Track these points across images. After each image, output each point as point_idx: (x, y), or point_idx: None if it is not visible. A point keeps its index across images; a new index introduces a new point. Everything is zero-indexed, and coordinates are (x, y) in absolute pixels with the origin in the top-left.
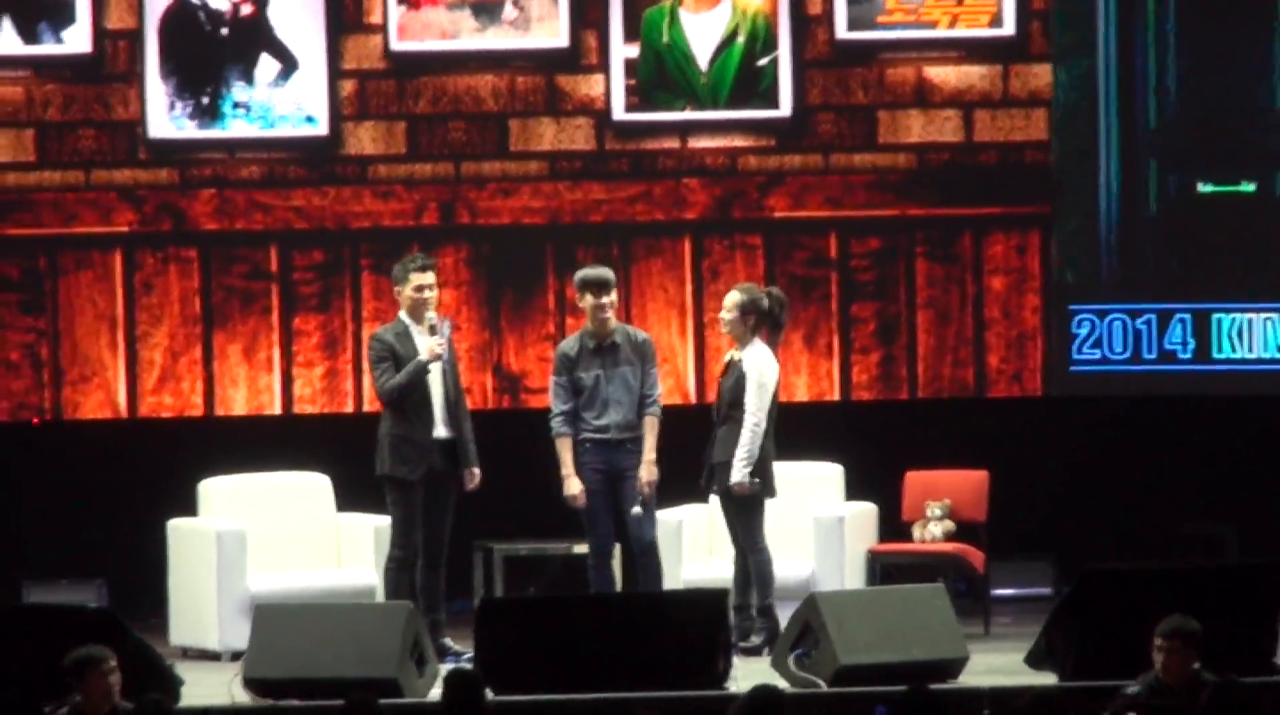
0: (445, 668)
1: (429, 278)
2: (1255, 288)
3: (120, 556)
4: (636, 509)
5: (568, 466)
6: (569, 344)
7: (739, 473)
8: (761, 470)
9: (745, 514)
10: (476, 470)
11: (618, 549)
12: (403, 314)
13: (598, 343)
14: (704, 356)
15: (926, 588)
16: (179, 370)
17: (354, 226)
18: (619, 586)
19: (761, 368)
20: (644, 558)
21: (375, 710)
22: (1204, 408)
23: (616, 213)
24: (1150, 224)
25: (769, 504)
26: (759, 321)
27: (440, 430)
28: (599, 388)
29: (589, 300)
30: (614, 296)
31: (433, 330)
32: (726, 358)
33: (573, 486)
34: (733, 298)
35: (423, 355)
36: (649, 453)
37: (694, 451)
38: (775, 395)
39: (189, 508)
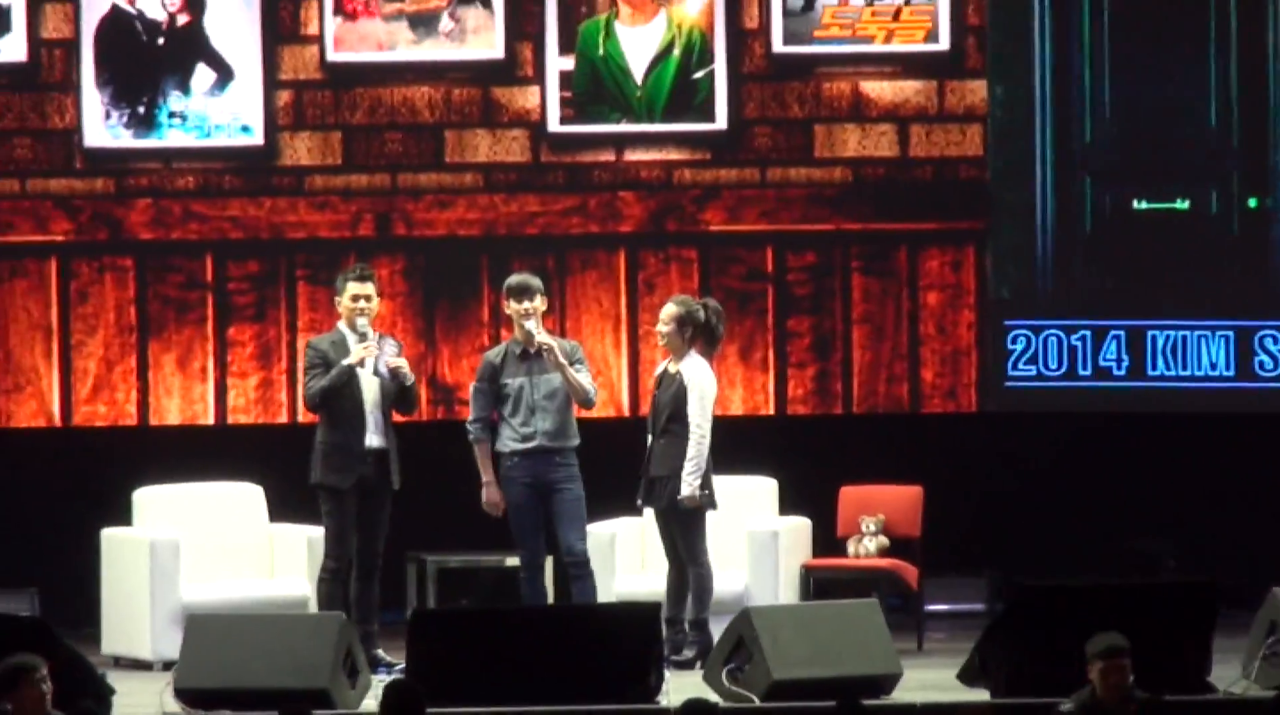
0: (377, 679)
1: (366, 288)
2: (1189, 305)
3: (53, 566)
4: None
5: (487, 472)
6: (495, 351)
7: (689, 485)
8: (705, 482)
9: (690, 527)
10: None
11: (550, 562)
12: (341, 323)
13: (524, 349)
14: (638, 369)
15: (860, 603)
16: (113, 379)
17: (289, 237)
18: (551, 600)
19: (702, 380)
20: (576, 570)
21: None
22: (1139, 424)
23: (552, 225)
24: (1085, 240)
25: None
26: (695, 333)
27: (373, 439)
28: (523, 394)
29: (513, 306)
30: (539, 303)
31: (363, 337)
32: (660, 370)
33: (491, 494)
34: (669, 310)
35: (379, 372)
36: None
37: (627, 465)
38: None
39: (123, 517)
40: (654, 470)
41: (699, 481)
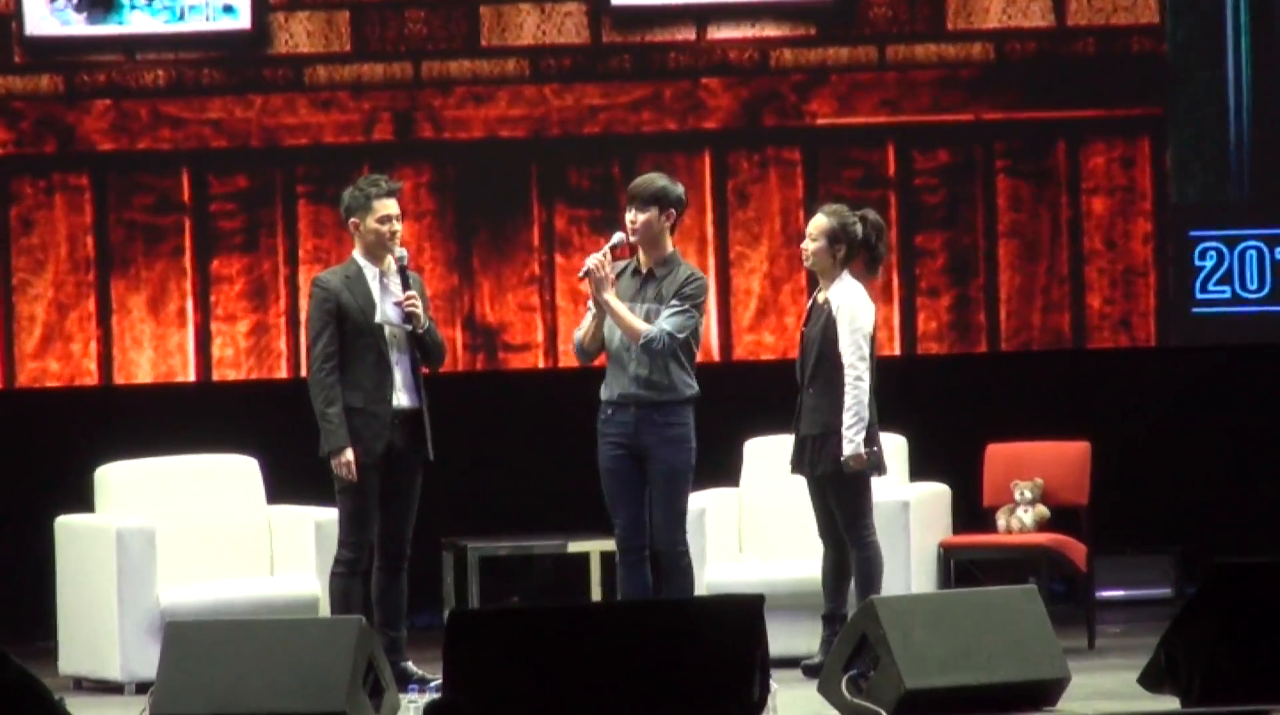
0: (407, 699)
1: (395, 207)
2: None
3: None
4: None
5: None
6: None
7: (852, 443)
8: (871, 437)
9: (853, 497)
10: None
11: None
12: (357, 253)
13: (636, 267)
14: (729, 303)
15: (1015, 590)
16: (68, 328)
17: (286, 144)
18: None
19: (853, 306)
20: (665, 561)
21: None
22: None
23: (617, 122)
24: None
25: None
26: (850, 252)
27: (401, 397)
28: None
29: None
30: (632, 212)
31: (404, 275)
32: (811, 301)
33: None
34: (819, 222)
35: (387, 316)
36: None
37: (717, 423)
38: (874, 344)
39: (83, 501)
40: (804, 428)
41: (863, 435)
